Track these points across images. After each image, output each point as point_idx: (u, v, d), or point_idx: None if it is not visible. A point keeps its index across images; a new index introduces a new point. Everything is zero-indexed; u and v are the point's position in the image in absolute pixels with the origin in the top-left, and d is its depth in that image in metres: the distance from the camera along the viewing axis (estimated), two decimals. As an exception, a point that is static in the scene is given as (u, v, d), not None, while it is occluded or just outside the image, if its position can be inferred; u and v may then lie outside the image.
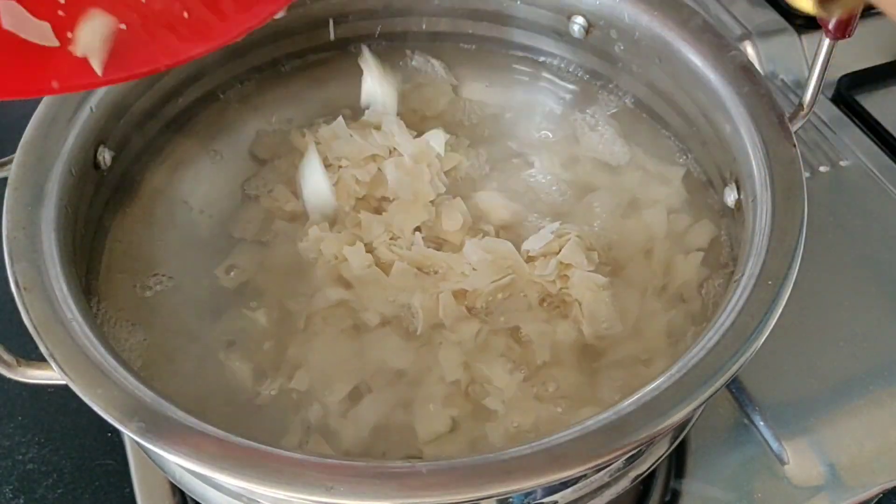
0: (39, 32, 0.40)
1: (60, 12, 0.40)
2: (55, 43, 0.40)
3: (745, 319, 0.41)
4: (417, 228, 0.54)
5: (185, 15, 0.42)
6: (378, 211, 0.55)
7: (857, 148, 0.72)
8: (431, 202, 0.55)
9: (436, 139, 0.56)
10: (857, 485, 0.55)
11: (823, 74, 0.50)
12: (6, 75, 0.39)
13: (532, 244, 0.52)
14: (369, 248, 0.53)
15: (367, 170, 0.55)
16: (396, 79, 0.59)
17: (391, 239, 0.53)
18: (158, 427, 0.38)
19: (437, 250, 0.53)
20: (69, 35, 0.40)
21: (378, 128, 0.57)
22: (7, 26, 0.39)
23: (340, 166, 0.56)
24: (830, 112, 0.75)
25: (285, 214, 0.56)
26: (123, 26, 0.41)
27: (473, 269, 0.51)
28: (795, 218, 0.45)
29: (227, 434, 0.38)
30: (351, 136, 0.56)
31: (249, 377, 0.49)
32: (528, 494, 0.40)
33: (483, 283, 0.50)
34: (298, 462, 0.37)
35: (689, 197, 0.56)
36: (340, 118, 0.58)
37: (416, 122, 0.60)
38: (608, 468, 0.43)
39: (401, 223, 0.53)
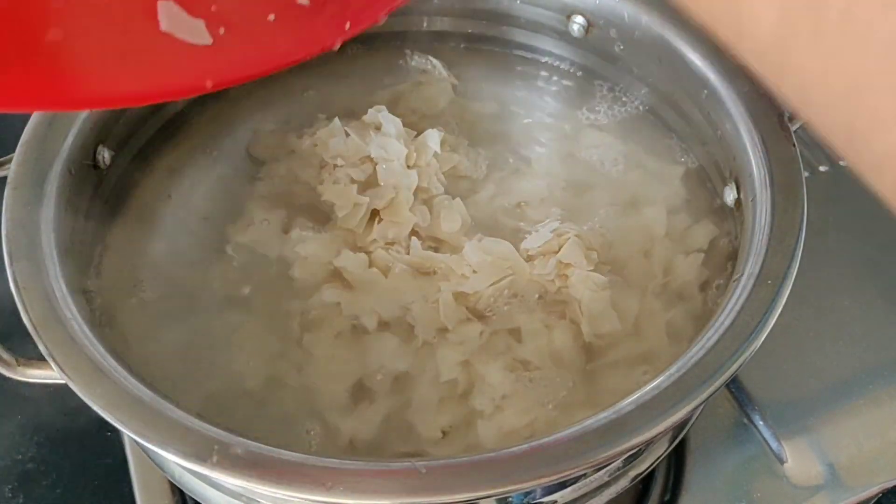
0: (194, 30, 0.39)
1: (213, 8, 0.39)
2: (209, 41, 0.39)
3: (745, 319, 0.41)
4: (412, 232, 0.53)
5: None
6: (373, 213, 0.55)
7: (856, 147, 0.72)
8: (423, 202, 0.55)
9: (432, 138, 0.56)
10: (857, 484, 0.55)
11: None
12: (160, 77, 0.39)
13: (531, 243, 0.52)
14: (363, 250, 0.53)
15: (363, 169, 0.55)
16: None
17: (387, 244, 0.53)
18: (158, 427, 0.38)
19: (435, 251, 0.53)
20: (220, 31, 0.39)
21: (378, 128, 0.57)
22: (164, 28, 0.38)
23: (336, 165, 0.55)
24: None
25: (283, 215, 0.56)
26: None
27: (474, 271, 0.51)
28: (795, 217, 0.45)
29: (227, 434, 0.38)
30: (348, 135, 0.56)
31: (248, 379, 0.48)
32: (527, 494, 0.40)
33: (483, 285, 0.50)
34: (298, 462, 0.37)
35: (688, 196, 0.56)
36: (336, 120, 0.57)
37: (416, 121, 0.60)
38: (608, 468, 0.43)
39: (395, 235, 0.53)
